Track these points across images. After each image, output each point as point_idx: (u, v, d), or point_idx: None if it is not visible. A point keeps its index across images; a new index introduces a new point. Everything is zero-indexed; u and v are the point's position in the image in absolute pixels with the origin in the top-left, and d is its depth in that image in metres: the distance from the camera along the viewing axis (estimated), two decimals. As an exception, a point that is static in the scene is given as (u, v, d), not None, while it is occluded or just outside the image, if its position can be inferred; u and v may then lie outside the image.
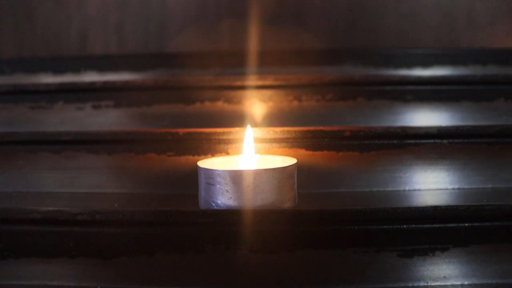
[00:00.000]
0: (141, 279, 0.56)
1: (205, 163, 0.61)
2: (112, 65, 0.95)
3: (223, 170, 0.55)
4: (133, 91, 0.84)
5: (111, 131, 0.72)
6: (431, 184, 0.67)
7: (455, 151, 0.68)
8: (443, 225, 0.56)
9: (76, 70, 0.96)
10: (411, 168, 0.68)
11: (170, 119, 0.83)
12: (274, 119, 0.81)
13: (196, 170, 0.59)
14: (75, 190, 0.70)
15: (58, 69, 0.97)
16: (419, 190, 0.67)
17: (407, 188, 0.67)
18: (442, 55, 0.91)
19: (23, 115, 0.83)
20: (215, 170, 0.55)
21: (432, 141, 0.67)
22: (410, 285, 0.56)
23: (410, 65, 0.87)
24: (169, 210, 0.56)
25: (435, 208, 0.56)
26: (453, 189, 0.67)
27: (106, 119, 0.83)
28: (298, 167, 0.60)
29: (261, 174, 0.54)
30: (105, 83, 0.83)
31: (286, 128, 0.69)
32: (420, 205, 0.59)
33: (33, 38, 1.05)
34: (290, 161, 0.60)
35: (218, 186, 0.55)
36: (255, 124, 0.81)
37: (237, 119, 0.81)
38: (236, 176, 0.54)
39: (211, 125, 0.82)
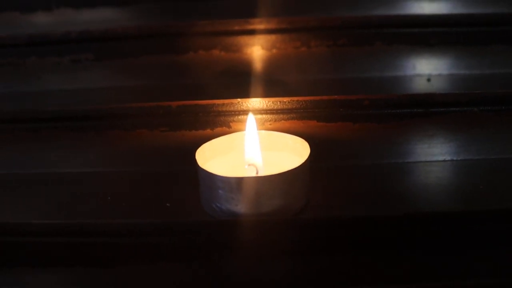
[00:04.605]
0: None
1: (204, 152, 0.53)
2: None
3: (227, 177, 0.47)
4: (114, 42, 0.72)
5: (96, 107, 0.62)
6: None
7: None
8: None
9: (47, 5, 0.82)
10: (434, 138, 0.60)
11: (161, 71, 0.73)
12: (279, 69, 0.71)
13: (194, 146, 0.52)
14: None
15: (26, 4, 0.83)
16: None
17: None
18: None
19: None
20: (217, 176, 0.48)
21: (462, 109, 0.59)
22: None
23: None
24: (171, 221, 0.50)
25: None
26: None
27: (87, 75, 0.73)
28: (308, 140, 0.52)
29: (271, 179, 0.47)
30: (81, 33, 0.72)
31: (295, 98, 0.60)
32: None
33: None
34: (301, 146, 0.53)
35: (221, 191, 0.48)
36: (256, 77, 0.71)
37: (236, 71, 0.71)
38: (240, 184, 0.47)
39: (207, 77, 0.73)
